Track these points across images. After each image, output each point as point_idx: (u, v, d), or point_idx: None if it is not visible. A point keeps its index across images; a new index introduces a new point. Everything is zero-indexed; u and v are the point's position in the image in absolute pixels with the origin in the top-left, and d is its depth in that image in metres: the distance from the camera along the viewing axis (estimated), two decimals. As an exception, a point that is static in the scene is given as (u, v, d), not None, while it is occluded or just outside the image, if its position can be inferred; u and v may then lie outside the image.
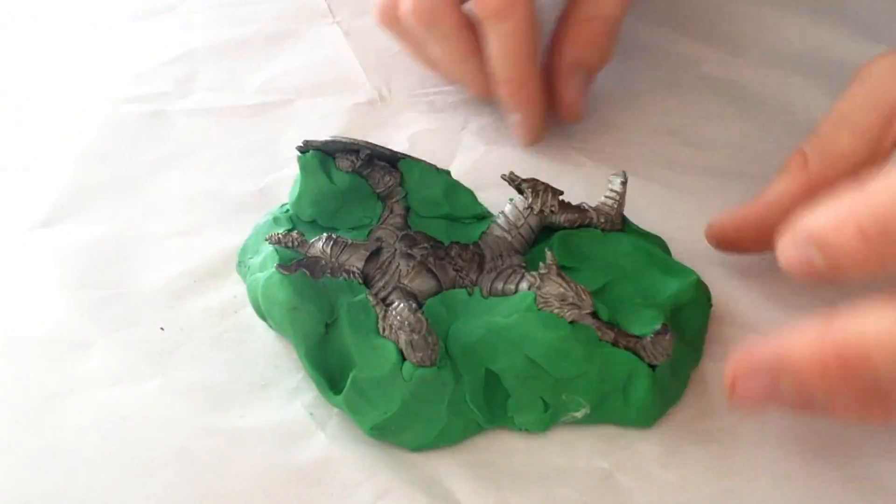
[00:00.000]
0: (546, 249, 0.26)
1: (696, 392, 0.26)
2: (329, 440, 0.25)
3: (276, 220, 0.30)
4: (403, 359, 0.24)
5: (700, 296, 0.28)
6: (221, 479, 0.24)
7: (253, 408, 0.26)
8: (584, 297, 0.25)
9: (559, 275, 0.25)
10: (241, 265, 0.30)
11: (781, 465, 0.24)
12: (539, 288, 0.25)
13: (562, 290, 0.25)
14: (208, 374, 0.27)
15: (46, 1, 0.47)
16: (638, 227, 0.30)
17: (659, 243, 0.29)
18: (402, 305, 0.24)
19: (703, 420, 0.26)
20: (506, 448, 0.25)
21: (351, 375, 0.25)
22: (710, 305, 0.28)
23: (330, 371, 0.25)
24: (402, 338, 0.24)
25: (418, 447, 0.25)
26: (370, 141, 0.30)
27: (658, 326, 0.25)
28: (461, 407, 0.24)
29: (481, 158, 0.37)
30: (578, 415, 0.25)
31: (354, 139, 0.30)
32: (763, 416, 0.26)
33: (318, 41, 0.45)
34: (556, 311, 0.25)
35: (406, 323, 0.24)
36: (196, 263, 0.31)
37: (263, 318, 0.28)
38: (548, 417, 0.25)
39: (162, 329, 0.28)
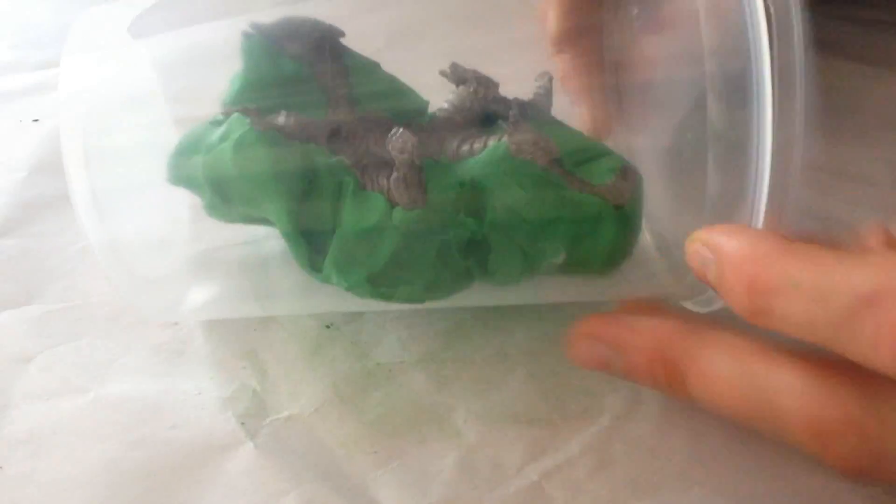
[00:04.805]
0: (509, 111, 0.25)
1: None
2: (258, 450, 0.25)
3: (214, 123, 0.27)
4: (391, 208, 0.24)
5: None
6: (148, 491, 0.24)
7: (184, 418, 0.26)
8: (552, 143, 0.25)
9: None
10: (178, 168, 0.27)
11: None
12: (511, 135, 0.25)
13: (533, 135, 0.25)
14: (143, 385, 0.27)
15: None
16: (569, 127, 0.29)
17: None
18: (402, 129, 0.24)
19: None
20: (437, 459, 0.25)
21: (336, 234, 0.24)
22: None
23: (310, 241, 0.25)
24: (398, 173, 0.24)
25: (409, 300, 0.25)
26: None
27: (617, 169, 0.25)
28: (450, 258, 0.25)
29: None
30: (557, 261, 0.25)
31: (306, 18, 0.28)
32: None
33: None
34: (529, 156, 0.25)
35: (409, 144, 0.24)
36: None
37: (221, 206, 0.26)
38: (527, 267, 0.25)
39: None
